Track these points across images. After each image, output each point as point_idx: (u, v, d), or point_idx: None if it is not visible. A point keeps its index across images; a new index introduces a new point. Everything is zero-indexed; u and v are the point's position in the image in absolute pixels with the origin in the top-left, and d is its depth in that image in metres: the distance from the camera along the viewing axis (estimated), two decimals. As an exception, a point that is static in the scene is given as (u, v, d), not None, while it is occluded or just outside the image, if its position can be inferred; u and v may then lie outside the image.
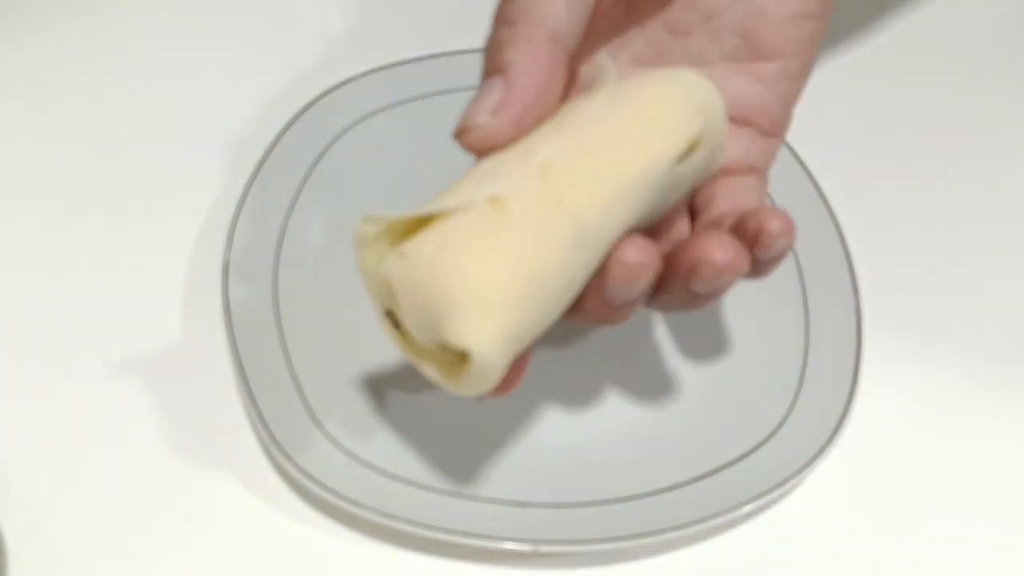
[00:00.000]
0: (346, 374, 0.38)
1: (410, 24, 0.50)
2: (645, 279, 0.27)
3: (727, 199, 0.31)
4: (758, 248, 0.28)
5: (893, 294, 0.42)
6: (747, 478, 0.36)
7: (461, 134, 0.27)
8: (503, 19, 0.28)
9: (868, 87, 0.49)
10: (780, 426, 0.37)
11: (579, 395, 0.38)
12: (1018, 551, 0.36)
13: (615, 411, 0.38)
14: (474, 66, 0.44)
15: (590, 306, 0.28)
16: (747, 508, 0.35)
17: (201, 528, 0.35)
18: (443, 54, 0.45)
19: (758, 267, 0.29)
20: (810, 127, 0.45)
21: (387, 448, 0.36)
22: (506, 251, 0.26)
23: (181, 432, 0.37)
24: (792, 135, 0.44)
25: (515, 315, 0.26)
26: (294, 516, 0.36)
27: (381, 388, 0.38)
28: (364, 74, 0.45)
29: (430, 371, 0.28)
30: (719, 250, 0.27)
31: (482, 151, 0.27)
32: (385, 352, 0.38)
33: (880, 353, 0.39)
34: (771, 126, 0.33)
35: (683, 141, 0.28)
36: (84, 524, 0.35)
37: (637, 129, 0.28)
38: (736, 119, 0.32)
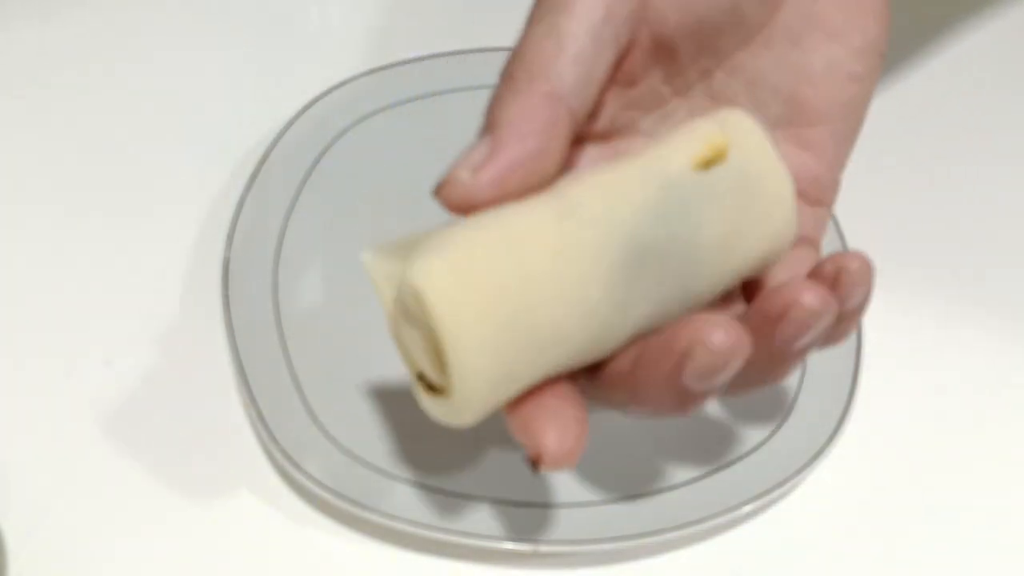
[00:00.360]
0: (346, 374, 0.38)
1: (410, 24, 0.50)
2: (734, 365, 0.24)
3: (784, 269, 0.29)
4: (839, 291, 0.26)
5: (893, 294, 0.42)
6: (747, 478, 0.36)
7: (439, 189, 0.26)
8: (505, 74, 0.27)
9: (868, 87, 0.49)
10: (780, 426, 0.37)
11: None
12: (1018, 551, 0.36)
13: (615, 411, 0.38)
14: (475, 66, 0.44)
15: (656, 393, 0.26)
16: (747, 508, 0.35)
17: (201, 528, 0.35)
18: (443, 54, 0.45)
19: (838, 323, 0.26)
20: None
21: (387, 448, 0.36)
22: (478, 220, 0.25)
23: (181, 432, 0.37)
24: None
25: (476, 265, 0.24)
26: (294, 516, 0.36)
27: (381, 388, 0.38)
28: (364, 74, 0.45)
29: (435, 406, 0.26)
30: (808, 293, 0.25)
31: (459, 209, 0.26)
32: (385, 352, 0.38)
33: (880, 353, 0.39)
34: (819, 194, 0.31)
35: (697, 142, 0.27)
36: (84, 524, 0.35)
37: (650, 148, 0.27)
38: None
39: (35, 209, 0.42)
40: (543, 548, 0.34)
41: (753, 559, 0.36)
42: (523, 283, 0.24)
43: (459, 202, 0.25)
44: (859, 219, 0.42)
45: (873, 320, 0.39)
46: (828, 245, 0.41)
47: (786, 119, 0.30)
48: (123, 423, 0.37)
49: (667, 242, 0.26)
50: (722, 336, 0.24)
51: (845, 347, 0.38)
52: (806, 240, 0.31)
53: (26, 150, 0.44)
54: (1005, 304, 0.42)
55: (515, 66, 0.26)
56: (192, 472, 0.36)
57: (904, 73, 0.50)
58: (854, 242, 0.41)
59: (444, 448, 0.36)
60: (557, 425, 0.26)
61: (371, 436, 0.36)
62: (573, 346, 0.25)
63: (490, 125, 0.26)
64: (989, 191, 0.46)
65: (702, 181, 0.27)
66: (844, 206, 0.42)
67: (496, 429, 0.37)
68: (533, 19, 0.27)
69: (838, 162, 0.31)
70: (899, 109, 0.48)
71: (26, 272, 0.40)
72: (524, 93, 0.26)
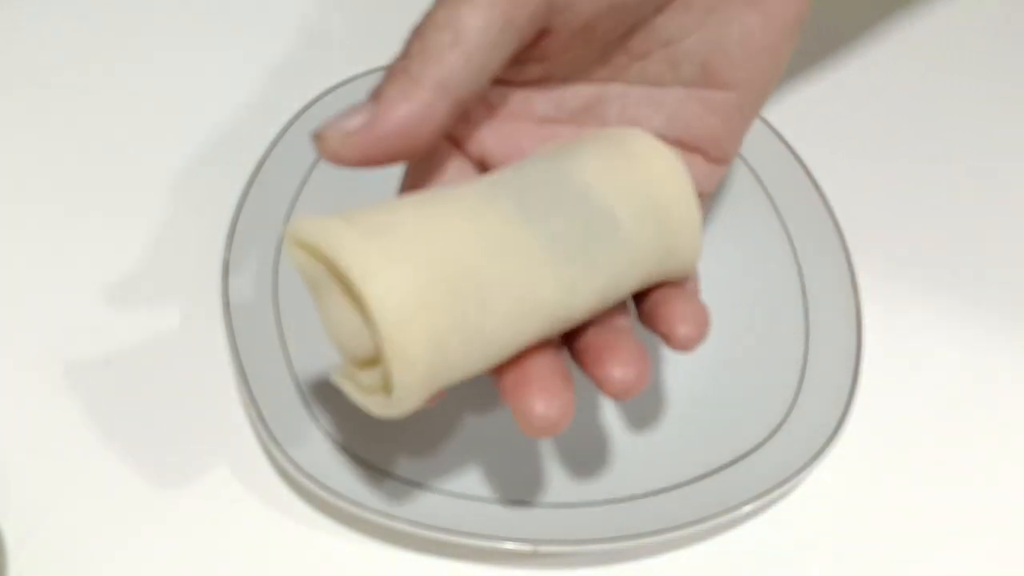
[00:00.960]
0: (346, 374, 0.38)
1: (410, 24, 0.50)
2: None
3: None
4: (670, 346, 0.30)
5: (893, 294, 0.42)
6: (747, 478, 0.36)
7: (315, 138, 0.28)
8: (403, 52, 0.28)
9: (868, 87, 0.49)
10: (780, 426, 0.37)
11: (579, 395, 0.38)
12: (1018, 551, 0.36)
13: (615, 411, 0.38)
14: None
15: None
16: (747, 508, 0.35)
17: (201, 528, 0.35)
18: (443, 54, 0.45)
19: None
20: (810, 127, 0.45)
21: (387, 448, 0.36)
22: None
23: (181, 432, 0.37)
24: (792, 135, 0.44)
25: (371, 217, 0.26)
26: (294, 516, 0.36)
27: (381, 388, 0.38)
28: (364, 74, 0.45)
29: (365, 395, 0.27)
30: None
31: (326, 160, 0.28)
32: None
33: (880, 353, 0.39)
34: (719, 155, 0.32)
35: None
36: (84, 524, 0.35)
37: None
38: (686, 145, 0.32)
39: (35, 209, 0.42)
40: (543, 548, 0.34)
41: (753, 559, 0.36)
42: (424, 221, 0.26)
43: (326, 156, 0.27)
44: (859, 220, 0.42)
45: (873, 320, 0.40)
46: (827, 246, 0.41)
47: (696, 81, 0.31)
48: (123, 423, 0.37)
49: (546, 173, 0.28)
50: (620, 374, 0.28)
51: (845, 347, 0.38)
52: (701, 194, 0.32)
53: (26, 150, 0.44)
54: (1005, 304, 0.42)
55: (413, 44, 0.28)
56: (192, 472, 0.36)
57: (902, 73, 0.50)
58: (854, 243, 0.41)
59: (444, 448, 0.36)
60: (545, 393, 0.27)
61: (371, 436, 0.36)
62: (503, 282, 0.26)
63: (376, 95, 0.27)
64: (989, 191, 0.46)
65: (571, 143, 0.29)
66: (844, 207, 0.42)
67: (496, 429, 0.37)
68: (438, 1, 0.28)
69: (742, 127, 0.32)
70: (899, 109, 0.48)
71: (26, 272, 0.40)
72: (414, 78, 0.27)
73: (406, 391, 0.25)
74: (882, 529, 0.37)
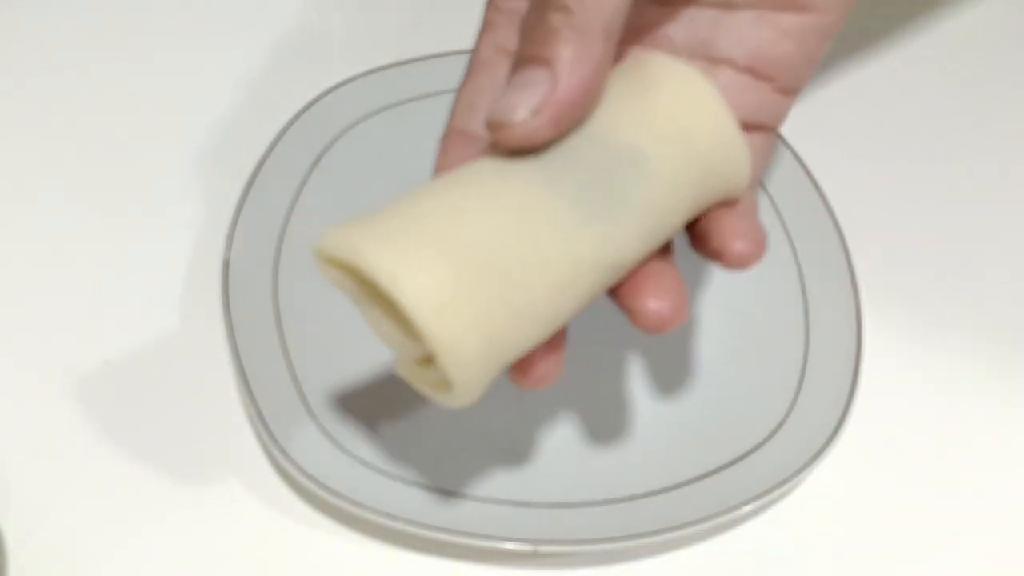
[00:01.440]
0: (346, 374, 0.38)
1: (410, 24, 0.50)
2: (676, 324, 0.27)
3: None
4: (722, 266, 0.29)
5: (893, 294, 0.42)
6: (747, 478, 0.36)
7: (495, 128, 0.25)
8: (556, 2, 0.25)
9: (868, 87, 0.49)
10: (780, 426, 0.37)
11: (579, 395, 0.38)
12: (1018, 552, 0.36)
13: (615, 411, 0.38)
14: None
15: None
16: (747, 508, 0.35)
17: (201, 528, 0.35)
18: (443, 54, 0.45)
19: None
20: (810, 127, 0.45)
21: (387, 448, 0.36)
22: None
23: (181, 432, 0.37)
24: (792, 136, 0.44)
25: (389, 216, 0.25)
26: (294, 516, 0.36)
27: (381, 387, 0.38)
28: (364, 74, 0.45)
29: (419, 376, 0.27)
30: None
31: (514, 149, 0.26)
32: (386, 352, 0.38)
33: (880, 353, 0.39)
34: (789, 84, 0.30)
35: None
36: (84, 524, 0.35)
37: None
38: (756, 72, 0.30)
39: (35, 209, 0.42)
40: (543, 548, 0.34)
41: (753, 559, 0.36)
42: (444, 209, 0.25)
43: (516, 143, 0.25)
44: (859, 220, 0.42)
45: (873, 320, 0.39)
46: (827, 246, 0.41)
47: (769, 2, 0.29)
48: (123, 423, 0.37)
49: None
50: (655, 305, 0.27)
51: (845, 346, 0.38)
52: (763, 128, 0.31)
53: (26, 150, 0.44)
54: (1005, 304, 0.42)
55: None
56: (192, 472, 0.36)
57: (902, 73, 0.50)
58: (854, 243, 0.41)
59: (444, 448, 0.36)
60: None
61: (371, 436, 0.36)
62: (536, 251, 0.25)
63: (543, 59, 0.25)
64: (989, 191, 0.46)
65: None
66: (844, 207, 0.42)
67: (497, 430, 0.37)
68: None
69: (815, 55, 0.31)
70: (899, 110, 0.48)
71: (26, 272, 0.40)
72: (582, 30, 0.25)
73: (465, 384, 0.25)
74: (882, 529, 0.37)
